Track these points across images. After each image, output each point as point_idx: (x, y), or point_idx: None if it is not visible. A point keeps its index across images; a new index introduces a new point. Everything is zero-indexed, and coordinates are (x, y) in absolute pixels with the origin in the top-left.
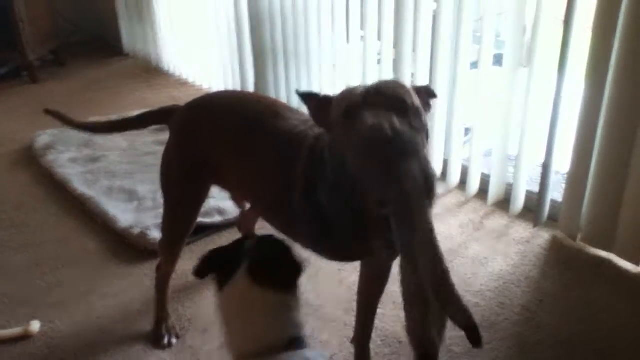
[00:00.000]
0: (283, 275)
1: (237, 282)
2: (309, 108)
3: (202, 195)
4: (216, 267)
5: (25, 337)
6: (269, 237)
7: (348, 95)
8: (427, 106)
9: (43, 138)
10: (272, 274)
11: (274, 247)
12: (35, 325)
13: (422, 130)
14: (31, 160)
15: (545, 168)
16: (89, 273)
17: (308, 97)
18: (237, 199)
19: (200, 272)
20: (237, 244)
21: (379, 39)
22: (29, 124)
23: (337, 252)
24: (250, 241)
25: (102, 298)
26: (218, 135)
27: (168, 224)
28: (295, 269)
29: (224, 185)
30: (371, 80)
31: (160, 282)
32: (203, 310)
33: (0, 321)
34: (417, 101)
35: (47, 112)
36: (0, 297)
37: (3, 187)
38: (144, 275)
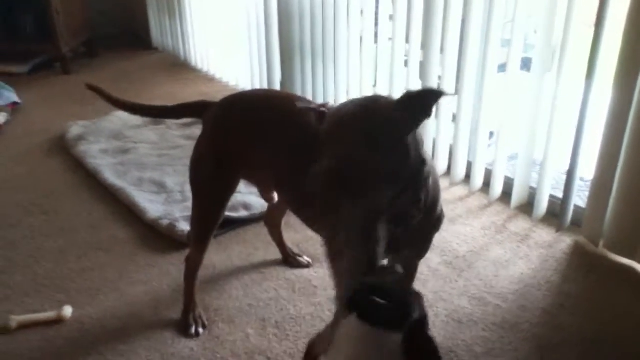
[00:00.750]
0: None
1: None
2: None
3: (231, 189)
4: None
5: (59, 321)
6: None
7: (332, 117)
8: (424, 114)
9: (75, 129)
10: None
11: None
12: (68, 310)
13: (392, 158)
14: (63, 150)
15: (570, 173)
16: (119, 260)
17: (309, 109)
18: (265, 193)
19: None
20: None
21: (407, 40)
22: (61, 114)
23: None
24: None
25: (131, 285)
26: (249, 131)
27: (197, 217)
28: None
29: (253, 180)
30: (397, 81)
31: (189, 272)
32: (229, 302)
33: (35, 304)
34: (393, 129)
35: (90, 87)
36: (34, 280)
37: (36, 174)
38: (172, 265)
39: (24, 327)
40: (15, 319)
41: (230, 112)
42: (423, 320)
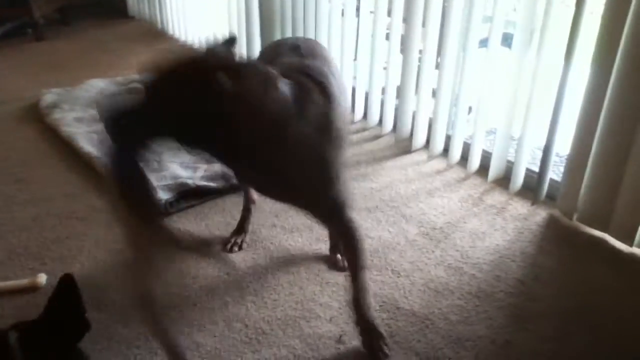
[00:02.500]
0: None
1: None
2: None
3: None
4: None
5: (33, 288)
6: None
7: None
8: None
9: (49, 96)
10: None
11: None
12: (42, 278)
13: None
14: (37, 117)
15: (547, 148)
16: (95, 229)
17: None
18: None
19: None
20: None
21: (389, 14)
22: (34, 81)
23: None
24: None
25: (108, 254)
26: None
27: None
28: None
29: None
30: (379, 55)
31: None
32: (208, 270)
33: (7, 272)
34: None
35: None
36: (8, 249)
37: (10, 143)
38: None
39: None
40: None
41: None
42: None
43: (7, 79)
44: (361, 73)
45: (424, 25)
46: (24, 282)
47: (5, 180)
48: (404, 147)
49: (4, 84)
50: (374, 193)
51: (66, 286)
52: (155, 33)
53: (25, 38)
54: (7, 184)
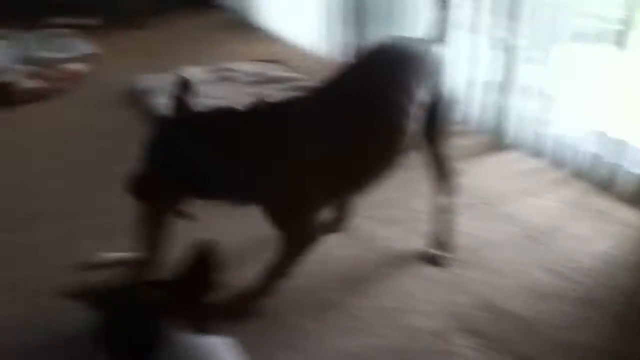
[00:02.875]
0: None
1: None
2: None
3: None
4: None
5: (124, 263)
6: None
7: None
8: None
9: (145, 81)
10: None
11: None
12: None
13: None
14: (137, 101)
15: None
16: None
17: None
18: None
19: None
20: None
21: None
22: (135, 66)
23: None
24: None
25: (193, 232)
26: None
27: None
28: None
29: None
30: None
31: None
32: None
33: (112, 246)
34: None
35: None
36: (102, 226)
37: (111, 124)
38: (251, 215)
39: (105, 265)
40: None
41: None
42: None
43: (110, 63)
44: (451, 68)
45: (515, 18)
46: (117, 256)
47: (114, 160)
48: (494, 144)
49: (107, 68)
50: (467, 190)
51: (205, 250)
52: (241, 24)
53: (122, 27)
54: (117, 164)
